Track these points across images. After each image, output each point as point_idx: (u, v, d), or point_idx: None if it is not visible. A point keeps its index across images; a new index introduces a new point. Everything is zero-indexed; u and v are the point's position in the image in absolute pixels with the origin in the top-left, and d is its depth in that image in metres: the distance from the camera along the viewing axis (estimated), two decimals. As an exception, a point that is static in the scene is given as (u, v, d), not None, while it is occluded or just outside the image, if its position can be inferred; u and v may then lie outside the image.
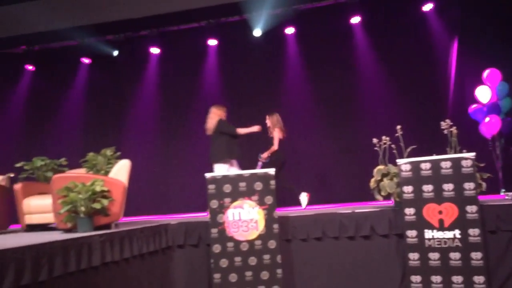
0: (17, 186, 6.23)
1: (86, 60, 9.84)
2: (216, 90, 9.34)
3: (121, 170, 5.45)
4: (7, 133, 9.65)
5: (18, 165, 6.66)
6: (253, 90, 9.14)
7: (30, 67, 9.87)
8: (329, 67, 8.88)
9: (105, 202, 4.92)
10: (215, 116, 7.02)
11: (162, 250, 5.51)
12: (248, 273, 4.98)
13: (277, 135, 7.25)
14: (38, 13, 9.46)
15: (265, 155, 7.24)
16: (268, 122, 7.43)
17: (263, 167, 7.08)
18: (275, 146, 7.23)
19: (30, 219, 6.09)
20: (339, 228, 5.36)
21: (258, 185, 5.08)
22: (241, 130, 6.96)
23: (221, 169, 6.78)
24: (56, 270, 3.79)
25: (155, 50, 9.58)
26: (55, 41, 9.42)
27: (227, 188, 5.09)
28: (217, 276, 5.00)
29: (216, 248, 5.04)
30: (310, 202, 7.19)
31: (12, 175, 6.71)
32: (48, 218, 5.97)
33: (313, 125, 8.94)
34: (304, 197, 7.13)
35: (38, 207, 6.06)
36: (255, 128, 6.96)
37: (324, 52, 8.89)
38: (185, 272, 5.64)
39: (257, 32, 9.07)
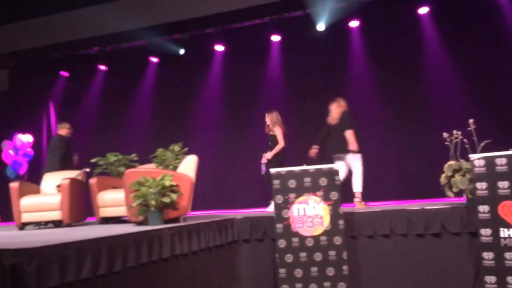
0: (93, 181, 6.58)
1: (154, 59, 10.17)
2: (280, 86, 9.35)
3: (189, 165, 5.61)
4: (83, 130, 10.16)
5: (93, 160, 7.03)
6: (317, 85, 9.06)
7: (103, 67, 10.33)
8: (395, 60, 8.63)
9: (174, 196, 5.08)
10: (339, 108, 6.78)
11: (228, 244, 5.61)
12: (314, 269, 4.97)
13: (279, 132, 7.16)
14: (109, 15, 9.92)
15: (269, 155, 7.09)
16: (268, 120, 7.35)
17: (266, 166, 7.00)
18: (281, 143, 7.12)
19: (104, 212, 6.41)
20: (407, 225, 5.23)
21: (323, 181, 5.05)
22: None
23: (351, 159, 6.58)
24: (130, 261, 3.97)
25: (219, 48, 9.73)
26: (126, 41, 9.81)
27: (292, 183, 5.10)
28: (282, 271, 5.03)
29: (281, 243, 5.07)
30: (376, 198, 7.05)
31: (87, 170, 7.10)
32: (121, 211, 6.25)
33: (378, 119, 8.74)
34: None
35: (111, 200, 6.36)
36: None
37: (390, 44, 8.65)
38: (251, 266, 5.72)
39: (321, 27, 8.98)
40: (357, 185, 6.53)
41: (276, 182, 5.14)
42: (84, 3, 10.15)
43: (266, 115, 7.39)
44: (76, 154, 7.86)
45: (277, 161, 6.95)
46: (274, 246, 5.24)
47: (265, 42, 9.46)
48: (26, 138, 9.94)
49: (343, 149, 6.59)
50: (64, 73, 10.53)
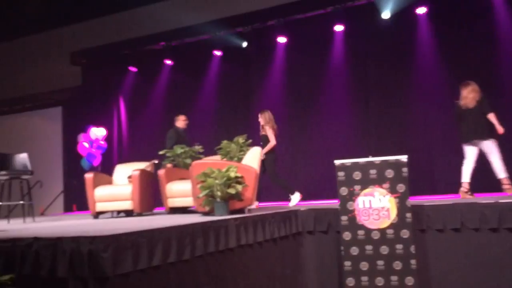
0: (161, 172, 6.81)
1: (217, 53, 10.32)
2: (344, 76, 9.20)
3: (253, 157, 5.67)
4: (151, 123, 10.54)
5: (161, 152, 7.28)
6: (383, 75, 8.84)
7: (169, 62, 10.63)
8: (466, 47, 8.23)
9: (239, 187, 5.16)
10: (474, 92, 6.39)
11: (292, 236, 5.63)
12: (380, 262, 4.89)
13: (270, 132, 7.30)
14: (175, 11, 10.19)
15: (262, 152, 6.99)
16: (261, 119, 7.45)
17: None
18: (273, 141, 7.24)
19: (172, 203, 6.63)
20: (480, 219, 5.01)
21: (389, 173, 4.94)
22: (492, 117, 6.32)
23: (490, 145, 6.25)
24: (198, 250, 4.08)
25: (282, 40, 9.72)
26: (190, 36, 10.03)
27: (357, 175, 5.03)
28: (347, 263, 4.99)
29: (347, 235, 5.02)
30: (446, 191, 6.79)
31: (156, 161, 7.35)
32: (188, 201, 6.44)
33: (450, 110, 8.39)
34: (296, 197, 7.19)
35: (179, 191, 6.56)
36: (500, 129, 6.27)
37: (460, 30, 8.27)
38: (315, 257, 5.71)
39: (386, 14, 8.74)
40: (501, 171, 6.15)
41: (340, 174, 5.09)
42: (151, 0, 10.50)
43: (260, 115, 7.56)
44: (196, 143, 7.62)
45: (271, 158, 7.22)
46: (339, 239, 5.20)
47: (328, 33, 9.34)
48: (99, 131, 10.46)
49: (483, 135, 6.23)
50: (133, 69, 10.94)
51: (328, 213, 5.64)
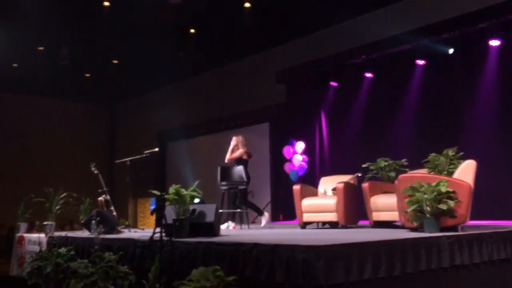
0: (365, 185, 6.82)
1: (420, 62, 9.92)
2: None
3: (466, 171, 5.29)
4: (354, 136, 10.63)
5: (364, 165, 7.29)
6: None
7: (369, 75, 10.60)
8: None
9: (451, 203, 4.87)
10: None
11: (515, 259, 5.06)
12: None
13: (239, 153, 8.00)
14: (374, 23, 10.17)
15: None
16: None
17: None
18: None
19: (377, 216, 6.56)
20: None
21: None
22: None
23: None
24: (409, 266, 3.97)
25: (494, 43, 8.87)
26: (390, 47, 9.85)
27: None
28: None
29: None
30: None
31: (359, 174, 7.39)
32: (393, 216, 6.29)
33: None
34: (265, 217, 8.04)
35: (384, 205, 6.47)
36: None
37: None
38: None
39: None
40: None
41: None
42: (349, 15, 10.67)
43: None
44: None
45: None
46: None
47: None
48: (302, 145, 11.02)
49: None
50: (334, 83, 11.20)
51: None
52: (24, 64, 13.07)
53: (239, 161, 8.01)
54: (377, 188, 6.83)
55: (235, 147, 8.21)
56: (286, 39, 12.06)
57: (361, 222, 7.36)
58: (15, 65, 13.21)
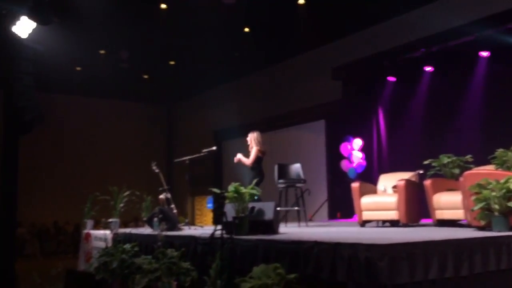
0: (427, 182, 6.60)
1: (484, 54, 9.49)
2: None
3: (538, 168, 5.01)
4: (413, 132, 10.33)
5: (426, 162, 7.07)
6: None
7: (429, 68, 10.26)
8: None
9: (522, 201, 4.63)
10: None
11: None
12: None
13: (254, 152, 7.42)
14: (434, 15, 9.82)
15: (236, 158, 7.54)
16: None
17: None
18: (248, 162, 7.42)
19: (441, 215, 6.34)
20: None
21: None
22: None
23: None
24: (477, 266, 3.82)
25: None
26: (452, 39, 9.47)
27: None
28: None
29: None
30: None
31: (421, 171, 7.18)
32: (458, 214, 6.05)
33: None
34: None
35: (447, 203, 6.24)
36: None
37: None
38: None
39: None
40: None
41: None
42: (408, 7, 10.37)
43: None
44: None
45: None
46: None
47: None
48: (359, 142, 10.84)
49: None
50: (392, 78, 10.93)
51: None
52: (86, 68, 13.65)
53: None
54: (440, 186, 6.60)
55: (249, 146, 7.75)
56: (341, 35, 11.89)
57: (423, 221, 7.14)
58: (78, 68, 13.82)
